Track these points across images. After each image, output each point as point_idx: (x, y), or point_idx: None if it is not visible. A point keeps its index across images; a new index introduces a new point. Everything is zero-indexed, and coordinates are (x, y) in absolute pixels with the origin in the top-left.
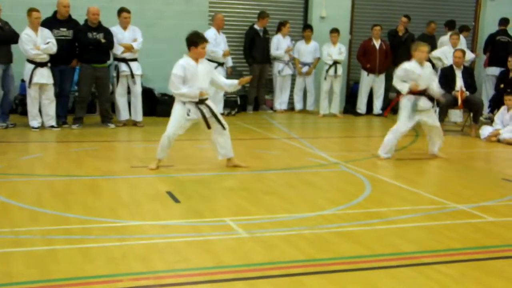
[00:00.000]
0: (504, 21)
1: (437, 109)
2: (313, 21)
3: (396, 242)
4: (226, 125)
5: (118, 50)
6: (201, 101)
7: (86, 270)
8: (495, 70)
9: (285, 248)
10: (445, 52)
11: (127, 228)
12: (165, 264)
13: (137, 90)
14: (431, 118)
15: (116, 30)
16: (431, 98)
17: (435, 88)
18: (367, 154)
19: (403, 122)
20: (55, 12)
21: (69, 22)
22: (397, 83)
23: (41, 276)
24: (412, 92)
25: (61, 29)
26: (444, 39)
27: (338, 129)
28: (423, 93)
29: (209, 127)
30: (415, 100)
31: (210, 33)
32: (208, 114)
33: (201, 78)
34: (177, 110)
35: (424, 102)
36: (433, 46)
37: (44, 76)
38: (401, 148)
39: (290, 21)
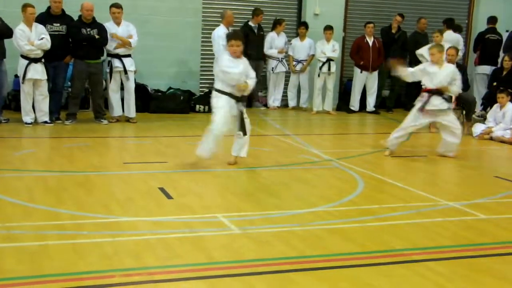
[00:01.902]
0: (492, 19)
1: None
2: (307, 18)
3: (388, 239)
4: (247, 132)
5: (111, 46)
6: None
7: (78, 266)
8: (485, 69)
9: (277, 244)
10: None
11: (119, 224)
12: (157, 260)
13: (130, 86)
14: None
15: (109, 25)
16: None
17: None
18: (360, 151)
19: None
20: (49, 7)
21: (63, 17)
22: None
23: (33, 271)
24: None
25: (55, 24)
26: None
27: (331, 126)
28: (437, 92)
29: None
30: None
31: (222, 31)
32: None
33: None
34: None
35: (436, 101)
36: (426, 44)
37: (38, 71)
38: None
39: (284, 18)
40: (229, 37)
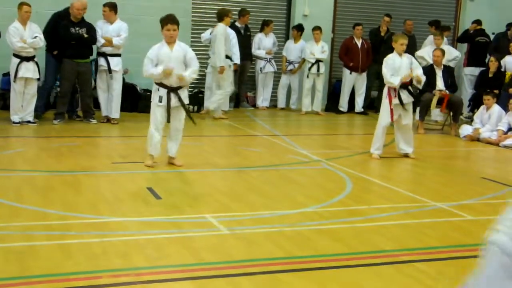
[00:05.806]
0: (478, 21)
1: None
2: (295, 19)
3: (376, 240)
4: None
5: (99, 44)
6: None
7: (66, 266)
8: (474, 70)
9: (266, 245)
10: (428, 52)
11: (107, 224)
12: (145, 261)
13: (115, 86)
14: (406, 115)
15: (101, 24)
16: (412, 93)
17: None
18: (348, 151)
19: (384, 116)
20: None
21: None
22: (387, 77)
23: (20, 272)
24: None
25: None
26: (431, 38)
27: (320, 127)
28: (405, 85)
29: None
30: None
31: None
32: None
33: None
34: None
35: (405, 95)
36: (413, 45)
37: (30, 70)
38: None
39: (273, 19)
40: (165, 21)
